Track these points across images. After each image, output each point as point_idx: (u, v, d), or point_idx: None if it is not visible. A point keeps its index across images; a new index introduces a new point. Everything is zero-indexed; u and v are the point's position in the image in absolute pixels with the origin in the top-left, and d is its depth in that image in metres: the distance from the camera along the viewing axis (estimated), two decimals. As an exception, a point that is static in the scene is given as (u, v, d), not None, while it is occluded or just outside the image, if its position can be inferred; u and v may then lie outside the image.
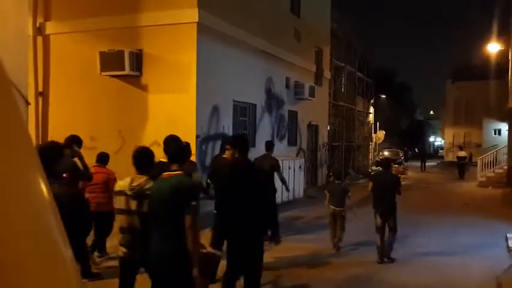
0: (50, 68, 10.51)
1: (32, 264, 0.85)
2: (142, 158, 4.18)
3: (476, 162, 22.32)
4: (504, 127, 29.51)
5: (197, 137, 9.32)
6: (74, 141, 5.93)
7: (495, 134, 37.01)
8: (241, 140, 5.37)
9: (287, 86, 14.11)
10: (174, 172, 3.83)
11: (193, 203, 3.68)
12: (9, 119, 0.92)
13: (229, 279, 4.60)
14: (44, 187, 0.95)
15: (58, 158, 4.34)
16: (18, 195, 0.88)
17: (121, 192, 4.05)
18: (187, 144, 4.87)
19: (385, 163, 8.25)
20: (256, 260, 4.51)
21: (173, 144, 4.55)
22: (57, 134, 10.38)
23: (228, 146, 5.97)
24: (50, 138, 10.45)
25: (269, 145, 8.77)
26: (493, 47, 22.52)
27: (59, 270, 0.92)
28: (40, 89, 10.41)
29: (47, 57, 10.50)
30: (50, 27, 10.46)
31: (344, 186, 8.54)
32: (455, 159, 26.23)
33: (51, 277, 0.89)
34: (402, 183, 8.33)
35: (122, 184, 4.15)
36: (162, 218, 3.71)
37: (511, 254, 7.97)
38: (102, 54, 9.51)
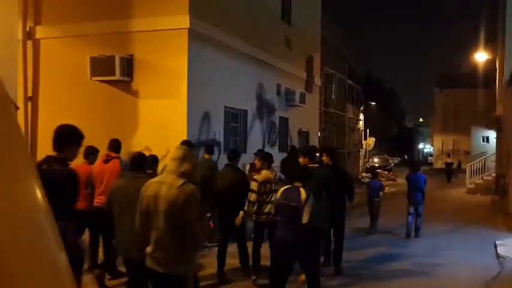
0: (40, 73, 10.41)
1: (25, 267, 0.84)
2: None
3: (465, 169, 22.56)
4: (492, 135, 29.87)
5: (188, 143, 9.29)
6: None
7: (483, 141, 37.39)
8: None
9: (278, 93, 14.15)
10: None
11: None
12: (5, 124, 0.91)
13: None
14: (38, 192, 0.93)
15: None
16: (12, 200, 0.86)
17: None
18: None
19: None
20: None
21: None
22: (47, 139, 10.25)
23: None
24: (39, 144, 10.34)
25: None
26: (481, 56, 22.84)
27: (52, 273, 0.90)
28: (29, 93, 10.30)
29: (37, 61, 10.41)
30: (40, 32, 10.38)
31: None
32: (444, 166, 27.45)
33: (44, 280, 0.87)
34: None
35: None
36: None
37: (500, 260, 8.02)
38: (92, 59, 9.46)
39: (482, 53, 22.63)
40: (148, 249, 3.56)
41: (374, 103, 39.71)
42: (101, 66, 9.37)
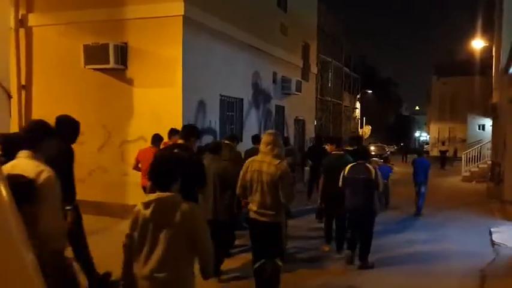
0: (33, 61, 10.30)
1: None
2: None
3: (461, 157, 22.64)
4: (488, 122, 29.94)
5: (183, 131, 9.25)
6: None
7: (479, 129, 37.52)
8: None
9: (274, 81, 14.07)
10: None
11: None
12: None
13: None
14: (1, 187, 0.89)
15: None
16: None
17: None
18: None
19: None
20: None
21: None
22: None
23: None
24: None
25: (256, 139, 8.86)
26: (477, 43, 22.75)
27: (17, 271, 0.86)
28: (23, 82, 10.20)
29: (30, 49, 10.29)
30: (32, 19, 10.25)
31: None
32: (439, 153, 27.82)
33: (8, 278, 0.83)
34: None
35: None
36: None
37: (495, 247, 8.07)
38: (86, 47, 9.35)
39: (479, 41, 22.54)
40: (253, 207, 4.91)
41: (370, 91, 39.68)
42: (94, 54, 9.27)
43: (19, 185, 2.96)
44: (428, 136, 60.74)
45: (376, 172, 6.59)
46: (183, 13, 9.04)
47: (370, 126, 32.57)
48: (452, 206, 12.76)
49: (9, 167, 3.35)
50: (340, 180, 6.81)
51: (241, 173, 5.06)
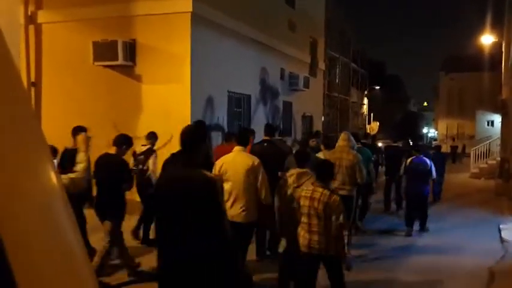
0: (42, 58, 10.37)
1: (41, 258, 0.81)
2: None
3: (470, 154, 22.50)
4: (497, 118, 29.72)
5: (191, 128, 9.28)
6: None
7: (488, 125, 37.23)
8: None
9: (282, 77, 14.06)
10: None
11: None
12: (19, 108, 0.89)
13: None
14: (53, 177, 0.90)
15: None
16: (27, 186, 0.83)
17: None
18: None
19: None
20: None
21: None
22: (50, 124, 10.28)
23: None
24: (43, 129, 10.35)
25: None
26: (487, 39, 22.54)
27: (69, 265, 0.87)
28: (32, 79, 10.28)
29: (39, 46, 10.36)
30: (42, 16, 10.31)
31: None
32: (449, 149, 28.17)
33: (61, 274, 0.84)
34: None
35: None
36: None
37: (504, 244, 8.03)
38: (95, 44, 9.40)
39: (489, 36, 22.32)
40: (335, 184, 6.08)
41: (378, 87, 39.48)
42: (103, 51, 9.31)
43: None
44: (436, 132, 60.38)
45: (431, 163, 8.82)
46: (191, 9, 9.06)
47: (378, 123, 32.40)
48: (461, 203, 12.70)
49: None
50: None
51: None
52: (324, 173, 4.57)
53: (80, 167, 4.32)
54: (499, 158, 19.46)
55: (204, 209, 3.05)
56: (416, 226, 8.82)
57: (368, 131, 31.34)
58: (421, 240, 8.30)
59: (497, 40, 21.99)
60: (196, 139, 3.25)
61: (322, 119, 19.08)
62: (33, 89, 10.28)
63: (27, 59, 10.11)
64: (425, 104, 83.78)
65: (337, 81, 22.62)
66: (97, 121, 9.62)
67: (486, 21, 25.30)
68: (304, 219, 4.45)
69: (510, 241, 8.12)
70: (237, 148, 5.22)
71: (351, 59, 24.89)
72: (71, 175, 4.22)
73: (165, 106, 9.26)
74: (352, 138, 7.21)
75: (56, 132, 10.35)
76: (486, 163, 20.59)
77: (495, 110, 29.29)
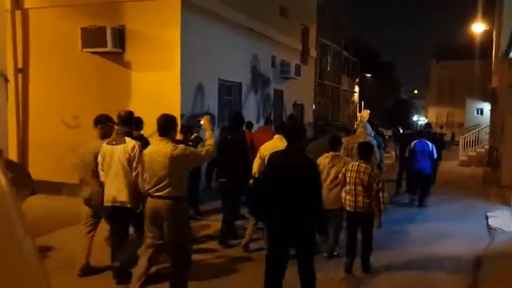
0: (30, 44, 10.20)
1: None
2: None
3: (459, 141, 22.67)
4: (486, 107, 29.89)
5: (181, 115, 9.20)
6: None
7: (477, 113, 37.42)
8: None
9: (273, 65, 14.00)
10: None
11: None
12: None
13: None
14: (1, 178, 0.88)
15: None
16: None
17: None
18: None
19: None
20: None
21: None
22: (38, 112, 10.18)
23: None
24: (30, 117, 10.23)
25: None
26: (478, 27, 22.57)
27: (18, 261, 0.86)
28: (20, 65, 10.13)
29: (26, 32, 10.19)
30: (28, 1, 10.12)
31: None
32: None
33: (7, 270, 0.83)
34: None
35: None
36: None
37: (491, 232, 8.13)
38: (83, 30, 9.26)
39: (480, 24, 22.35)
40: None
41: (369, 75, 39.50)
42: (92, 37, 9.19)
43: None
44: (426, 120, 60.70)
45: (432, 146, 10.08)
46: (181, -4, 8.94)
47: (368, 111, 32.49)
48: (449, 190, 12.81)
49: None
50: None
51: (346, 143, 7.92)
52: (364, 152, 5.86)
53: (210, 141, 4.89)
54: (487, 146, 19.64)
55: (309, 185, 4.26)
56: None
57: (359, 119, 31.54)
58: (408, 226, 8.37)
59: (488, 29, 22.04)
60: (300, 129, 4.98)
61: (313, 107, 19.07)
62: (20, 76, 10.14)
63: (14, 45, 9.95)
64: (415, 91, 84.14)
65: (328, 69, 22.59)
66: (86, 108, 9.53)
67: (477, 9, 25.31)
68: (350, 186, 5.72)
69: (497, 228, 8.22)
70: (277, 136, 6.57)
71: (343, 46, 24.82)
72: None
73: (154, 93, 9.18)
74: (368, 126, 8.74)
75: (43, 118, 10.27)
76: (475, 151, 20.78)
77: (485, 99, 29.45)
